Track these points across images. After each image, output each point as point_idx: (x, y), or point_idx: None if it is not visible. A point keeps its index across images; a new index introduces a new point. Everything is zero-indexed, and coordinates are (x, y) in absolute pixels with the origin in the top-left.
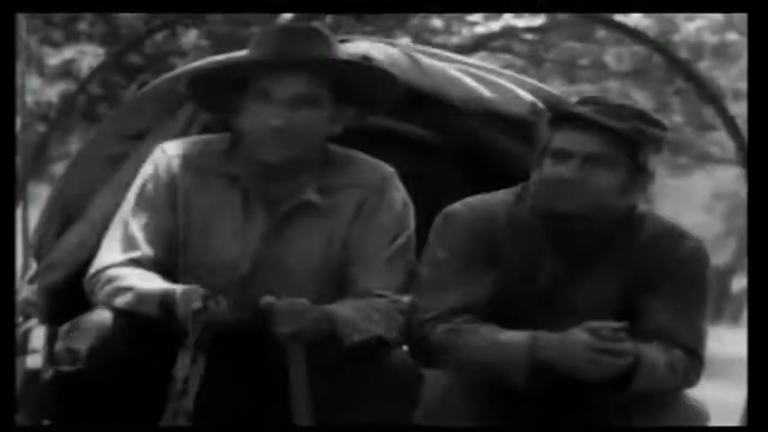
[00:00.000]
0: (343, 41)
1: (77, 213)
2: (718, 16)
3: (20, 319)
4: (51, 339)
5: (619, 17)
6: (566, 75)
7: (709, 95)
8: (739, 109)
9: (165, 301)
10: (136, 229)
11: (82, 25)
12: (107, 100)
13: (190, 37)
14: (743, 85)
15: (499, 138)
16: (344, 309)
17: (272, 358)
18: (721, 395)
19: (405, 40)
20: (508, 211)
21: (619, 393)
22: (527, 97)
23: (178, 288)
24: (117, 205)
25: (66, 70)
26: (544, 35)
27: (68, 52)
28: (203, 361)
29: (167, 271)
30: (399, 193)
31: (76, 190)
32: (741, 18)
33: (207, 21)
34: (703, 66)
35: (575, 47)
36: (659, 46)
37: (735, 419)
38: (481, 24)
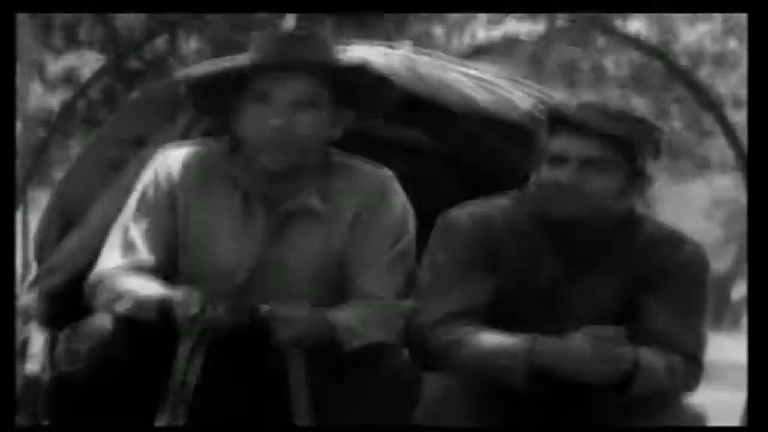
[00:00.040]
0: (341, 46)
1: (77, 217)
2: (718, 24)
3: (20, 324)
4: (51, 343)
5: (619, 24)
6: (566, 81)
7: (709, 102)
8: (740, 117)
9: (163, 305)
10: (137, 234)
11: (83, 32)
12: (108, 105)
13: (191, 42)
14: (743, 93)
15: (496, 143)
16: (344, 314)
17: (272, 363)
18: (721, 400)
19: (408, 48)
20: (507, 216)
21: (618, 396)
22: (524, 102)
23: (176, 293)
24: (117, 209)
25: (67, 77)
26: (544, 42)
27: (69, 59)
28: (200, 365)
29: (168, 277)
30: (399, 198)
31: (77, 194)
32: (741, 26)
33: (207, 25)
34: (703, 73)
35: (575, 54)
36: (660, 53)
37: (734, 424)
38: (482, 31)
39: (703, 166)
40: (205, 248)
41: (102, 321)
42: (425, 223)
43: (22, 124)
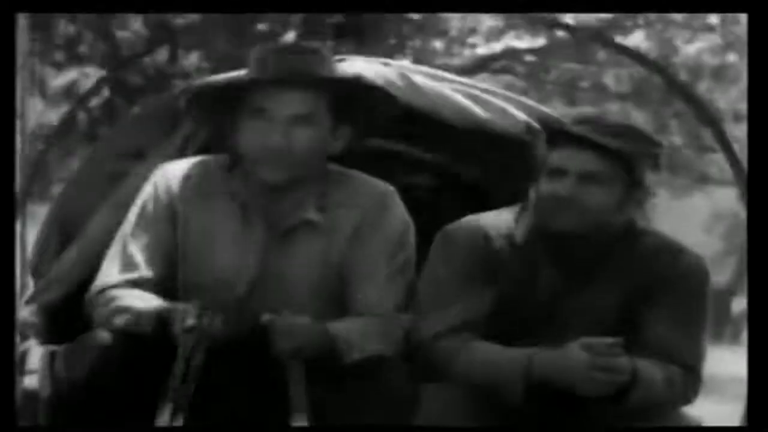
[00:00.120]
0: (339, 60)
1: (76, 231)
2: (718, 39)
3: (18, 339)
4: (49, 358)
5: (619, 39)
6: (566, 96)
7: (708, 118)
8: (739, 132)
9: (161, 318)
10: (136, 249)
11: (84, 47)
12: (108, 120)
13: (191, 57)
14: (743, 107)
15: (494, 157)
16: (344, 326)
17: (272, 373)
18: (720, 413)
19: (405, 62)
20: (507, 229)
21: (616, 408)
22: (522, 116)
23: (173, 305)
24: (116, 223)
25: (68, 93)
26: (544, 57)
27: (71, 74)
28: (197, 377)
29: (167, 291)
30: (399, 211)
31: (75, 208)
32: (741, 40)
33: (208, 41)
34: (703, 88)
35: (575, 69)
36: (659, 67)
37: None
38: (482, 46)
39: (702, 180)
40: (204, 261)
41: (100, 335)
42: (425, 236)
43: (21, 138)
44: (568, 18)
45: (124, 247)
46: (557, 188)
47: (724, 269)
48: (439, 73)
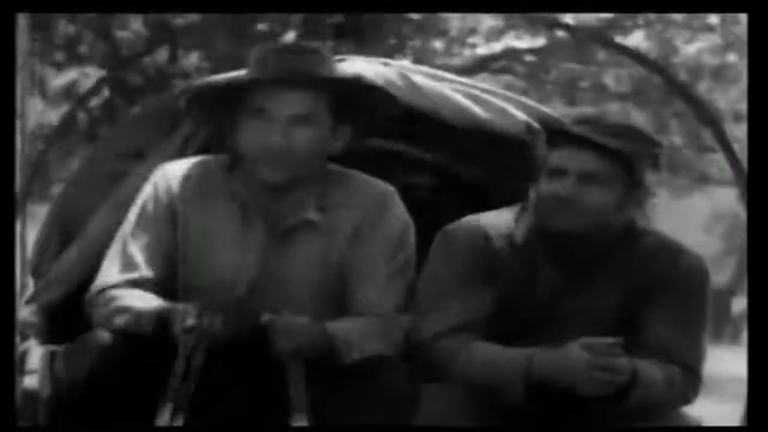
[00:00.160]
0: (339, 60)
1: (76, 231)
2: (718, 39)
3: (18, 339)
4: (49, 358)
5: (619, 39)
6: (566, 96)
7: (708, 118)
8: (739, 132)
9: (161, 318)
10: (136, 249)
11: (84, 48)
12: (108, 120)
13: (191, 57)
14: (743, 107)
15: (494, 157)
16: (344, 326)
17: (271, 373)
18: (720, 413)
19: (405, 62)
20: (507, 229)
21: (616, 408)
22: (522, 116)
23: (173, 305)
24: (116, 223)
25: (69, 92)
26: (544, 57)
27: (71, 74)
28: (196, 378)
29: (167, 291)
30: (399, 211)
31: (75, 208)
32: (741, 40)
33: (207, 41)
34: (703, 88)
35: (575, 69)
36: (659, 67)
37: None
38: (482, 46)
39: (702, 180)
40: (204, 261)
41: (100, 335)
42: (425, 236)
43: (22, 138)
44: (568, 18)
45: (124, 247)
46: (557, 188)
47: (724, 269)
48: (439, 73)
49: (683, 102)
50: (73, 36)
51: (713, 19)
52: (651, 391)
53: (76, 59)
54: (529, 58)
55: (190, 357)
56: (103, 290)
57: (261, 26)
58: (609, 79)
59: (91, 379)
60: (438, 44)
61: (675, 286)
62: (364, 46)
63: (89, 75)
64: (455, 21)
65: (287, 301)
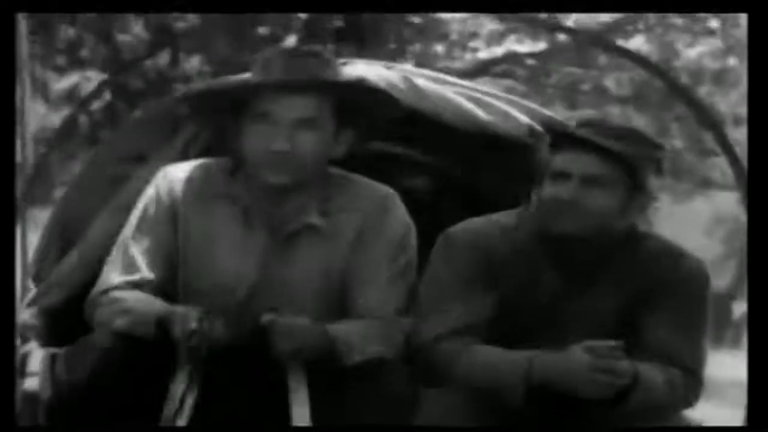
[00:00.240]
0: (341, 63)
1: (77, 235)
2: (718, 42)
3: (18, 342)
4: (50, 360)
5: (620, 43)
6: (567, 100)
7: (710, 121)
8: (740, 135)
9: (162, 321)
10: (137, 252)
11: (85, 51)
12: (110, 124)
13: (192, 61)
14: (743, 111)
15: (496, 159)
16: (344, 328)
17: (272, 375)
18: (721, 417)
19: (408, 65)
20: (509, 232)
21: (617, 411)
22: (524, 119)
23: (174, 309)
24: (117, 226)
25: (70, 96)
26: (545, 60)
27: (72, 78)
28: (198, 381)
29: (168, 294)
30: (400, 214)
31: (77, 212)
32: (741, 44)
33: (209, 45)
34: (703, 91)
35: (576, 72)
36: (660, 70)
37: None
38: (483, 50)
39: (703, 184)
40: (205, 264)
41: (101, 337)
42: (426, 239)
43: (22, 141)
44: (569, 22)
45: (126, 249)
46: (560, 191)
47: (725, 273)
48: (442, 76)
49: (684, 105)
50: (74, 40)
51: (714, 23)
52: (652, 394)
53: (77, 63)
54: (530, 61)
55: (192, 360)
56: (104, 292)
57: (262, 30)
58: (610, 83)
59: (91, 382)
60: (439, 48)
61: (676, 290)
62: (365, 49)
63: (91, 78)
64: (456, 25)
65: (288, 305)
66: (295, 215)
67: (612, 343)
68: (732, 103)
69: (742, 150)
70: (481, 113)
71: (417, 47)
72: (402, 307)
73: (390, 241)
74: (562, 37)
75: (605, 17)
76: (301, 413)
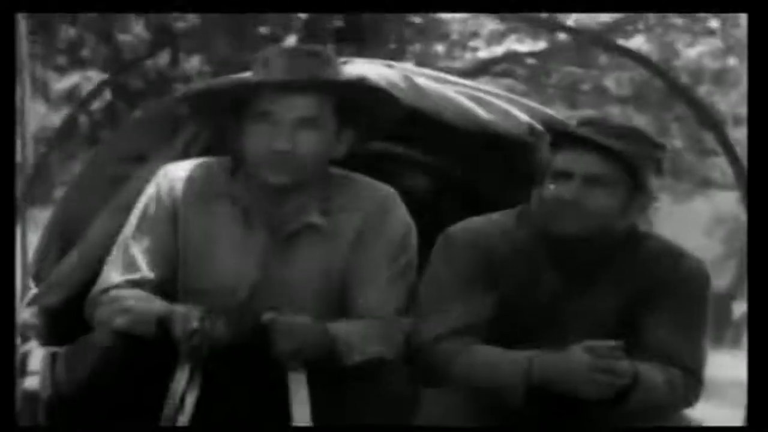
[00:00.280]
0: (342, 63)
1: (77, 235)
2: (718, 42)
3: (19, 341)
4: (50, 359)
5: (620, 42)
6: (567, 99)
7: (710, 121)
8: (740, 135)
9: (162, 320)
10: (138, 251)
11: (86, 51)
12: (110, 124)
13: (192, 61)
14: (743, 111)
15: (497, 158)
16: (345, 327)
17: (272, 374)
18: (721, 417)
19: (408, 65)
20: (509, 232)
21: (617, 411)
22: (525, 118)
23: (175, 308)
24: (117, 226)
25: (71, 96)
26: (545, 60)
27: (73, 78)
28: (199, 381)
29: (168, 293)
30: (401, 214)
31: (77, 212)
32: (741, 44)
33: (209, 45)
34: (703, 91)
35: (576, 72)
36: (661, 70)
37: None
38: (483, 49)
39: (703, 184)
40: (205, 264)
41: (101, 336)
42: (426, 238)
43: (23, 141)
44: (570, 21)
45: (126, 249)
46: (562, 191)
47: (725, 273)
48: (442, 75)
49: (684, 105)
50: (75, 40)
51: (714, 22)
52: (652, 393)
53: (78, 63)
54: (530, 61)
55: (192, 360)
56: (104, 290)
57: (262, 29)
58: (610, 83)
59: (92, 381)
60: (439, 48)
61: (676, 290)
62: (365, 49)
63: (91, 79)
64: (456, 24)
65: (288, 305)
66: (296, 215)
67: (612, 343)
68: (732, 102)
69: (742, 150)
70: (481, 112)
71: (417, 47)
72: (402, 307)
73: (390, 241)
74: (562, 36)
75: (605, 17)
76: (301, 413)
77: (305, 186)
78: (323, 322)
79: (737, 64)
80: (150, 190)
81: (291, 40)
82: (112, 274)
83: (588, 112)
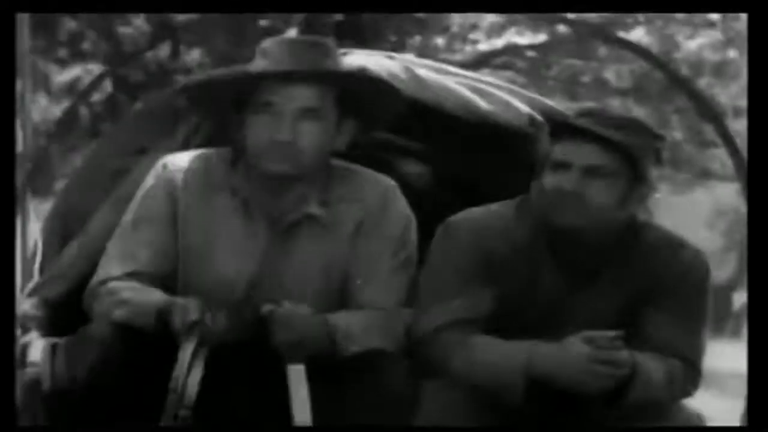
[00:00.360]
0: (343, 54)
1: (78, 227)
2: (718, 35)
3: (19, 332)
4: (51, 351)
5: (620, 35)
6: (567, 92)
7: (710, 113)
8: (740, 126)
9: (162, 312)
10: (136, 243)
11: (87, 44)
12: (111, 117)
13: (193, 54)
14: (743, 102)
15: (497, 149)
16: (345, 319)
17: (273, 372)
18: (720, 408)
19: (409, 56)
20: (509, 223)
21: (616, 401)
22: (525, 109)
23: (174, 300)
24: (119, 219)
25: (72, 89)
26: (545, 52)
27: (74, 71)
28: (199, 373)
29: (167, 285)
30: (401, 206)
31: (78, 204)
32: (741, 36)
33: (209, 38)
34: (703, 83)
35: (576, 64)
36: (661, 62)
37: None
38: (483, 42)
39: (703, 176)
40: (205, 256)
41: (101, 328)
42: (426, 230)
43: (24, 134)
44: (570, 14)
45: (125, 241)
46: (562, 182)
47: (725, 264)
48: (443, 66)
49: (684, 97)
50: (76, 33)
51: (714, 15)
52: (651, 384)
53: (79, 56)
54: (530, 53)
55: (192, 353)
56: (103, 282)
57: (263, 23)
58: (610, 75)
59: (92, 379)
60: (439, 40)
61: (676, 281)
62: (365, 43)
63: (92, 71)
64: (456, 17)
65: (288, 297)
66: (295, 206)
67: (611, 333)
68: (732, 94)
69: (742, 141)
70: (482, 103)
71: (417, 40)
72: (403, 299)
73: (391, 234)
74: (562, 29)
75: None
76: (301, 406)
77: (306, 177)
78: (323, 313)
79: (737, 56)
80: (149, 182)
81: (291, 33)
82: (111, 266)
83: (588, 104)
